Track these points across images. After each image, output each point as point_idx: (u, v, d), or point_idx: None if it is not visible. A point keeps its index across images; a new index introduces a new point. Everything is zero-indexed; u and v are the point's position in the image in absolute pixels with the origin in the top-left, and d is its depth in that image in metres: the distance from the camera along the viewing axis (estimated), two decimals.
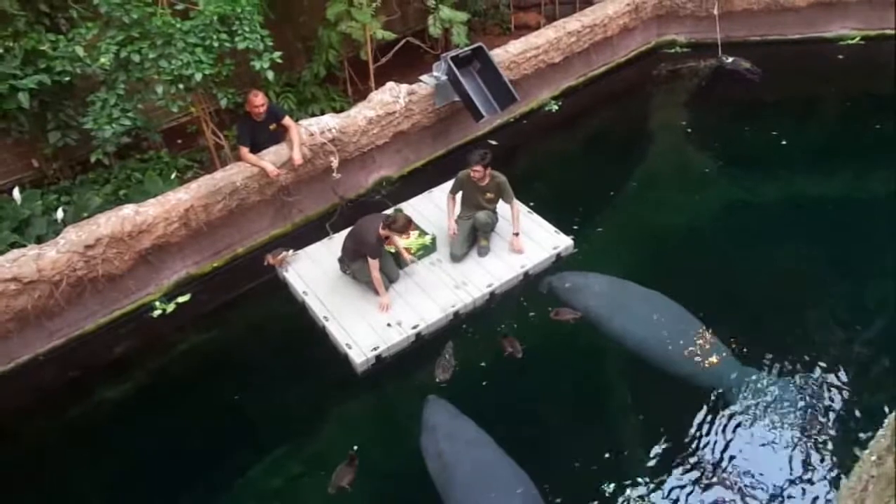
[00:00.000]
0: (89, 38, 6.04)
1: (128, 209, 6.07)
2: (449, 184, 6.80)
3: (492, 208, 6.65)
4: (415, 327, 5.99)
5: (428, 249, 6.63)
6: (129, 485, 5.17)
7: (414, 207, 7.27)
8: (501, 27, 9.96)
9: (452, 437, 5.08)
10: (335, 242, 6.71)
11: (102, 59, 5.86)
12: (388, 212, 7.14)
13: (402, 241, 6.48)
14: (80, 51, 5.97)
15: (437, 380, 5.57)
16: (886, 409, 4.93)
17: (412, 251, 6.52)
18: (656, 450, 5.04)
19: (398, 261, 6.47)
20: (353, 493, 4.89)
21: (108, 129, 6.00)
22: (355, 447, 5.11)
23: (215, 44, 6.21)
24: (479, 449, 5.02)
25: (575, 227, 7.03)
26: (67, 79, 6.12)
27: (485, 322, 6.18)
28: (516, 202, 6.57)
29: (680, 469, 4.90)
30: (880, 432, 3.45)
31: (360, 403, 5.74)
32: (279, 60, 6.55)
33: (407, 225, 5.98)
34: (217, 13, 6.15)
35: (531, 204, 7.25)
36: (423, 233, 6.73)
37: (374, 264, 5.97)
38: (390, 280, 6.37)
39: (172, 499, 5.02)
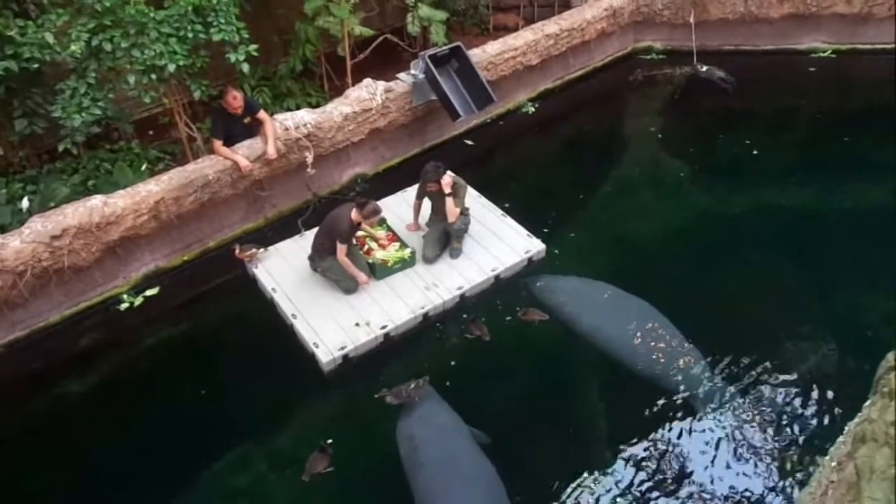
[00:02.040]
0: (60, 25, 5.91)
1: (96, 200, 5.96)
2: None
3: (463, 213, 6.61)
4: (383, 328, 5.95)
5: (406, 263, 6.48)
6: (93, 480, 5.09)
7: (387, 207, 7.20)
8: (480, 28, 9.98)
9: (426, 423, 5.14)
10: (306, 239, 6.65)
11: (73, 47, 5.74)
12: None
13: (379, 253, 6.44)
14: (49, 37, 5.83)
15: (386, 400, 5.41)
16: (847, 417, 5.02)
17: (389, 264, 6.39)
18: (618, 450, 5.08)
19: (373, 269, 6.36)
20: (315, 490, 4.88)
21: (77, 118, 5.88)
22: (329, 440, 5.10)
23: (190, 34, 6.11)
24: (451, 437, 5.05)
25: (548, 230, 7.05)
26: (36, 66, 5.98)
27: (455, 324, 6.16)
28: (458, 212, 6.40)
29: (640, 470, 4.94)
30: (840, 439, 3.52)
31: (326, 402, 5.71)
32: (255, 53, 6.48)
33: (375, 211, 5.95)
34: (192, 3, 6.06)
35: (506, 205, 7.26)
36: (403, 245, 6.62)
37: (341, 249, 5.94)
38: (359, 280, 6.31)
39: (136, 494, 4.93)
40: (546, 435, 5.25)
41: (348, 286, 6.20)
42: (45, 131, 6.49)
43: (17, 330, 5.99)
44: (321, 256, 6.20)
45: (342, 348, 5.78)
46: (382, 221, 6.87)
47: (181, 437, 5.35)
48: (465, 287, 6.35)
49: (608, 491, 4.82)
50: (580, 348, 5.88)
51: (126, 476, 5.04)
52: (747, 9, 9.64)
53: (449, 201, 6.31)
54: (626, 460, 5.02)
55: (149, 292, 6.46)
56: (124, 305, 6.34)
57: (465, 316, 6.15)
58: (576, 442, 5.21)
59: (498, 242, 6.79)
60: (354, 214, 5.93)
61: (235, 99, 6.54)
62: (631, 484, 4.87)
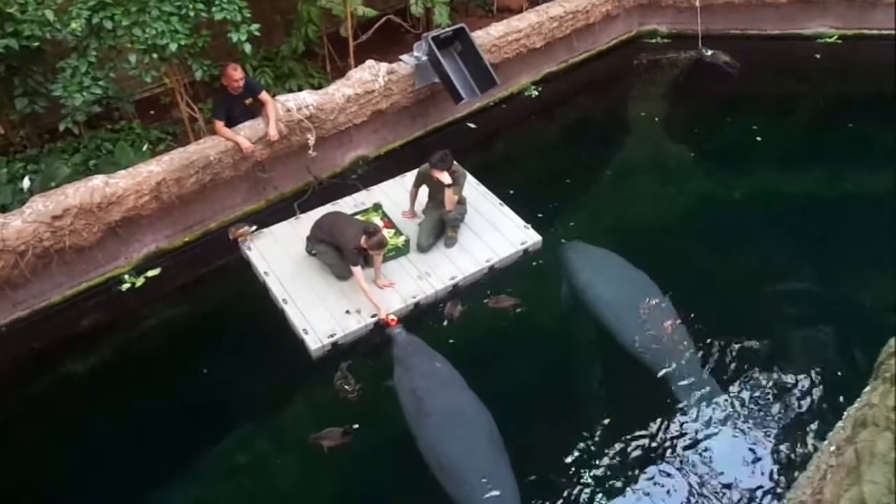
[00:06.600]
0: (60, 3, 5.87)
1: (97, 180, 5.94)
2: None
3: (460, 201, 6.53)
4: (373, 316, 5.90)
5: (400, 251, 6.43)
6: (92, 459, 5.11)
7: (385, 192, 7.19)
8: (484, 9, 9.88)
9: (426, 376, 5.32)
10: (302, 223, 6.63)
11: (73, 25, 5.69)
12: (361, 194, 7.12)
13: None
14: (50, 15, 5.78)
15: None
16: (845, 402, 5.03)
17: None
18: (606, 429, 5.16)
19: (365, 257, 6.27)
20: (305, 468, 4.98)
21: (78, 98, 5.84)
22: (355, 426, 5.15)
23: (191, 13, 6.04)
24: (450, 387, 5.28)
25: (550, 215, 7.04)
26: (36, 44, 5.94)
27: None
28: (457, 200, 6.35)
29: (631, 449, 5.00)
30: (839, 424, 3.53)
31: (314, 387, 5.71)
32: (257, 33, 6.41)
33: (380, 245, 5.80)
34: None
35: (508, 190, 7.23)
36: (398, 232, 6.56)
37: (358, 273, 5.78)
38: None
39: (134, 473, 4.97)
40: (536, 414, 5.30)
41: (340, 272, 6.13)
42: (46, 110, 6.45)
43: (18, 310, 5.99)
44: (317, 241, 6.17)
45: (331, 336, 5.76)
46: (378, 207, 6.84)
47: (179, 416, 5.39)
48: (459, 277, 6.30)
49: (599, 472, 4.87)
50: (569, 330, 6.01)
51: (125, 454, 5.08)
52: None
53: (448, 190, 6.26)
54: (616, 438, 5.08)
55: (150, 273, 6.46)
56: (125, 286, 6.35)
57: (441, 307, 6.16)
58: (565, 421, 5.29)
59: (494, 232, 6.72)
60: (363, 241, 5.74)
61: (236, 70, 6.46)
62: (623, 462, 4.92)
